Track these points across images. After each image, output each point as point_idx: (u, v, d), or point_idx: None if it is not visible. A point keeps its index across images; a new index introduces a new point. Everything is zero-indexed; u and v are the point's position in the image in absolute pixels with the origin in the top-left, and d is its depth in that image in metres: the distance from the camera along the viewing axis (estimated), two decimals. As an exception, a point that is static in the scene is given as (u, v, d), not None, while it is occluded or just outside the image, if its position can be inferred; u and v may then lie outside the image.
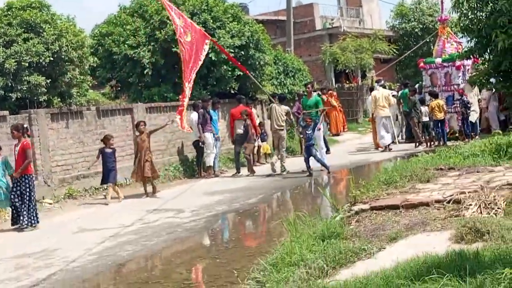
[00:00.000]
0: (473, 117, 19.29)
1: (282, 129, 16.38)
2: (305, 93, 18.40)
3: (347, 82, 31.48)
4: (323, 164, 15.37)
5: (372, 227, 7.37)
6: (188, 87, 14.10)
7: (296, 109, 19.11)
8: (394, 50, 31.42)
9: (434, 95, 19.23)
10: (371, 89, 21.87)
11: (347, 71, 31.06)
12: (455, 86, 19.69)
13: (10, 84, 13.38)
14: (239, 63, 17.11)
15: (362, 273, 5.55)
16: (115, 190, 13.36)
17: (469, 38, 16.82)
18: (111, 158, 13.42)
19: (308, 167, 15.05)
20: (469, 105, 18.94)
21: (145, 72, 17.75)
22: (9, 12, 14.13)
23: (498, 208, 6.98)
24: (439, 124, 18.87)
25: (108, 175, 13.30)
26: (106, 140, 13.51)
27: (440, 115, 18.69)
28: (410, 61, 31.36)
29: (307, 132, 15.16)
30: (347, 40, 30.04)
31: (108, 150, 13.45)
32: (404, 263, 5.54)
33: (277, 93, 20.88)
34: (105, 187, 13.72)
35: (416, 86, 22.05)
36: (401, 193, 8.98)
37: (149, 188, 13.81)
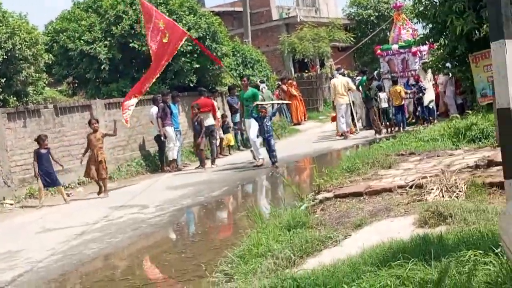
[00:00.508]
0: (426, 101, 19.48)
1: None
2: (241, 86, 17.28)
3: (306, 71, 31.61)
4: (274, 157, 15.01)
5: (337, 214, 7.43)
6: (147, 86, 14.46)
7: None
8: (351, 39, 31.67)
9: (394, 81, 19.49)
10: (332, 77, 22.07)
11: (305, 60, 31.18)
12: (412, 72, 19.95)
13: (-37, 84, 13.11)
14: (207, 53, 17.25)
15: (329, 261, 5.58)
16: (61, 192, 12.98)
17: (424, 24, 16.98)
18: (48, 159, 12.83)
19: (272, 156, 15.02)
20: (424, 91, 19.21)
21: (102, 67, 17.56)
22: (-41, 11, 13.81)
23: (459, 191, 7.10)
24: (399, 110, 19.16)
25: (50, 178, 12.76)
26: (40, 140, 12.82)
27: (398, 101, 18.96)
28: (367, 48, 31.65)
29: (266, 124, 14.99)
30: (305, 29, 30.15)
31: (43, 151, 12.83)
32: (370, 249, 5.59)
33: (237, 84, 20.90)
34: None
35: (375, 73, 22.28)
36: (364, 180, 9.08)
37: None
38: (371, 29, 33.71)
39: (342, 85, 19.73)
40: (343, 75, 21.76)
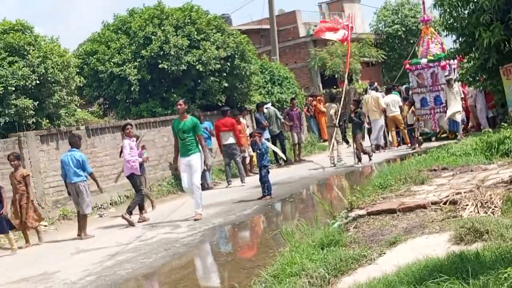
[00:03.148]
0: (458, 117, 19.22)
1: (334, 125, 17.73)
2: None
3: (334, 87, 31.57)
4: (265, 189, 13.61)
5: (371, 232, 7.35)
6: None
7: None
8: (383, 56, 31.68)
9: (405, 99, 19.79)
10: (366, 92, 22.09)
11: (335, 76, 31.13)
12: (442, 86, 19.79)
13: (-3, 108, 13.35)
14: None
15: (364, 279, 5.53)
16: (8, 238, 11.16)
17: (454, 38, 16.86)
18: None
19: (263, 188, 13.71)
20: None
21: (132, 88, 17.72)
22: (-8, 36, 14.10)
23: (495, 207, 6.98)
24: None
25: None
26: None
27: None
28: (396, 63, 31.56)
29: (258, 151, 13.84)
30: (335, 45, 30.17)
31: None
32: (405, 267, 5.52)
33: (265, 101, 20.97)
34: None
35: (403, 87, 22.20)
36: (396, 196, 8.98)
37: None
38: (399, 43, 33.62)
39: (373, 100, 19.69)
40: (376, 90, 21.71)
